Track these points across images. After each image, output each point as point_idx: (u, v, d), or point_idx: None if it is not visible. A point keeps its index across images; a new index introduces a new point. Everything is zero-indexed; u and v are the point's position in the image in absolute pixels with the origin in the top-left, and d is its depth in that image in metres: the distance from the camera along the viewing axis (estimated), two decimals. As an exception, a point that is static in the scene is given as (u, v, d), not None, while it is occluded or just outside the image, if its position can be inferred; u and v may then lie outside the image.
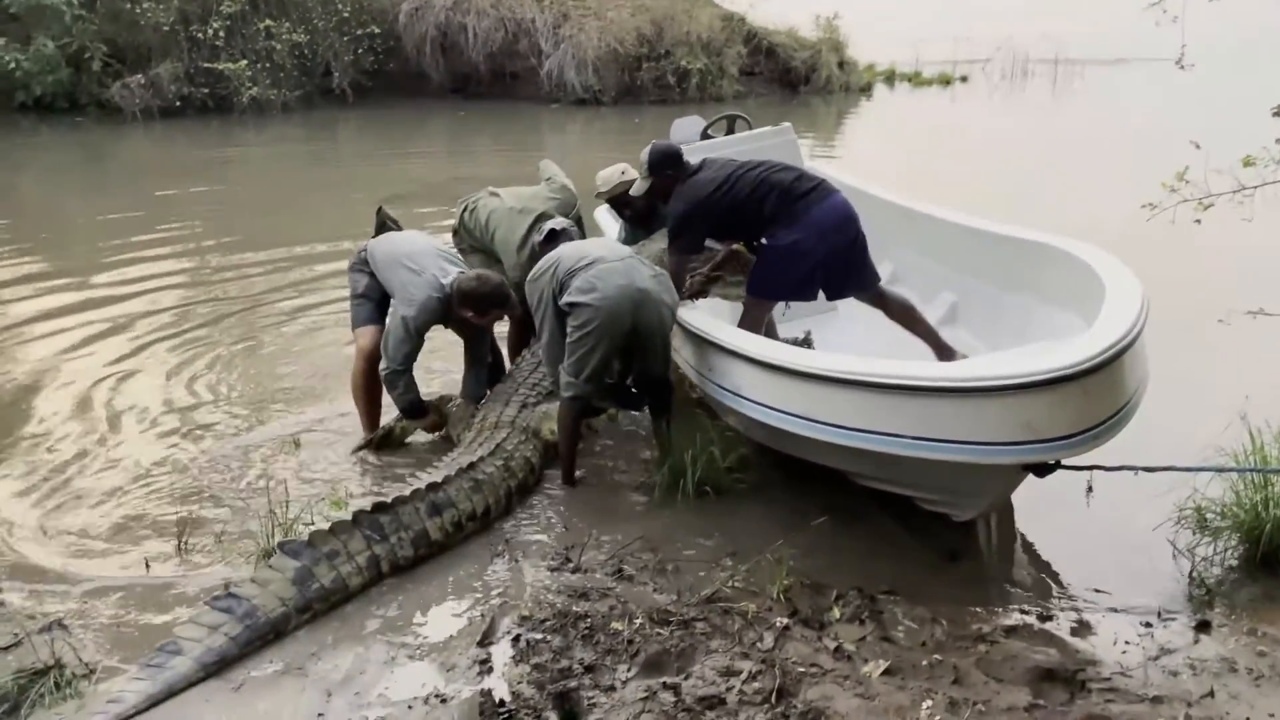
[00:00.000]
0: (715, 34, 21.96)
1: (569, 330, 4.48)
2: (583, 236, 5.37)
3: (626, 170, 5.44)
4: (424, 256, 4.98)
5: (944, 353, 4.79)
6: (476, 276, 4.87)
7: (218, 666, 3.29)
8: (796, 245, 4.73)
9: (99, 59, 18.90)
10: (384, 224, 5.48)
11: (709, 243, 5.11)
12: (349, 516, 3.82)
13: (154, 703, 3.13)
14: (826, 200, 4.77)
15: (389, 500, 3.94)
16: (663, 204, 5.18)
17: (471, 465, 4.31)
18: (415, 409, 5.05)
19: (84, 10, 18.62)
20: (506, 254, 5.27)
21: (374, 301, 5.15)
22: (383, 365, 4.91)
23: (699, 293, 5.06)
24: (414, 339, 4.87)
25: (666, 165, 5.06)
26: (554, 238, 5.03)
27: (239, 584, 3.55)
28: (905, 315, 4.98)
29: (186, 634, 3.35)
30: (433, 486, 4.10)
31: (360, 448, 5.12)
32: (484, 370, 5.34)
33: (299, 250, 9.48)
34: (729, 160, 5.04)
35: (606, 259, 4.49)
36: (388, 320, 4.98)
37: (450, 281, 4.85)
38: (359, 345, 5.17)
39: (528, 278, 4.75)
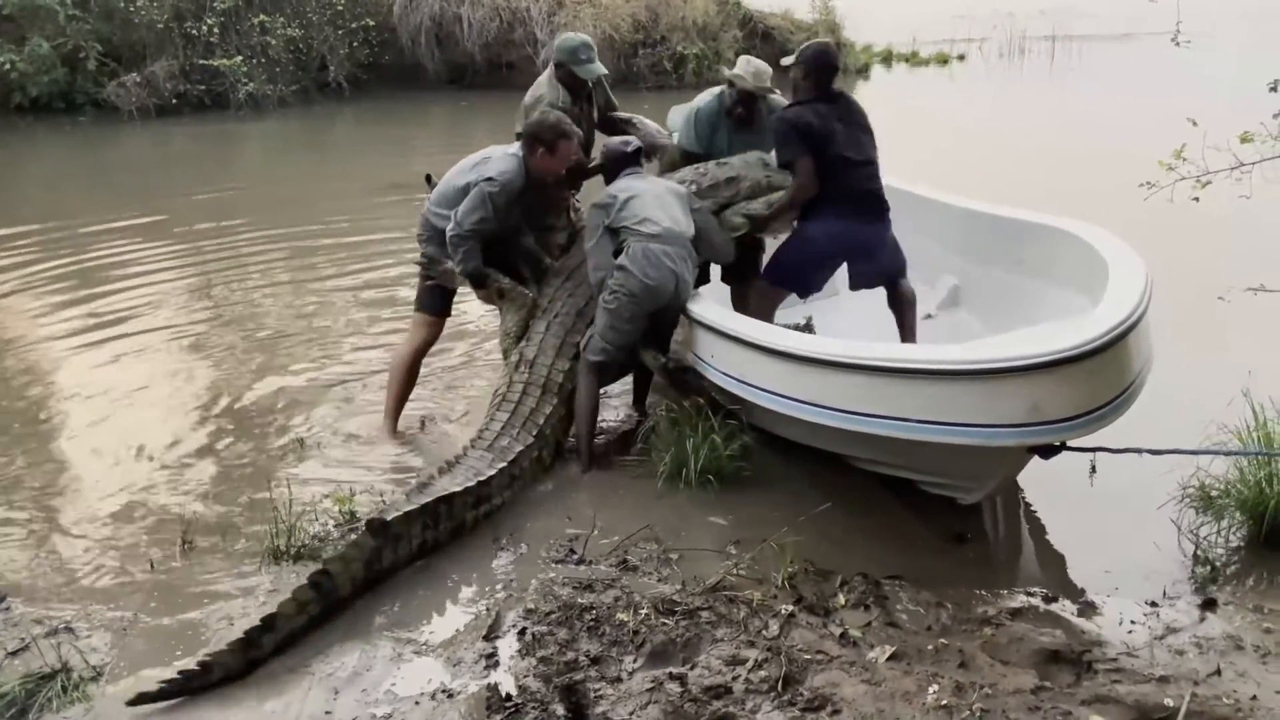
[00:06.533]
0: (711, 18, 21.84)
1: (611, 292, 4.60)
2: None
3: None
4: (489, 150, 5.00)
5: None
6: (539, 114, 4.93)
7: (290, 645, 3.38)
8: (812, 236, 4.91)
9: (94, 58, 18.79)
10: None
11: None
12: (417, 506, 3.88)
13: (230, 677, 3.21)
14: (861, 219, 4.89)
15: (454, 493, 4.03)
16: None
17: (514, 459, 4.40)
18: (477, 277, 4.95)
19: (78, 9, 18.54)
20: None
21: (444, 291, 5.14)
22: (450, 228, 4.81)
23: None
24: (487, 209, 4.76)
25: (822, 65, 5.03)
26: (622, 160, 5.01)
27: (330, 560, 3.59)
28: (904, 307, 5.04)
29: (285, 610, 3.40)
30: (484, 483, 4.19)
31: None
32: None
33: (301, 247, 9.46)
34: (843, 112, 5.02)
35: (663, 236, 4.62)
36: (471, 194, 4.81)
37: (516, 148, 4.89)
38: (413, 329, 5.22)
39: (591, 202, 4.90)
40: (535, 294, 5.06)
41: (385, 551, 3.77)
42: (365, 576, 3.71)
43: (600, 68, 5.35)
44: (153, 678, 3.24)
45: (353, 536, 3.86)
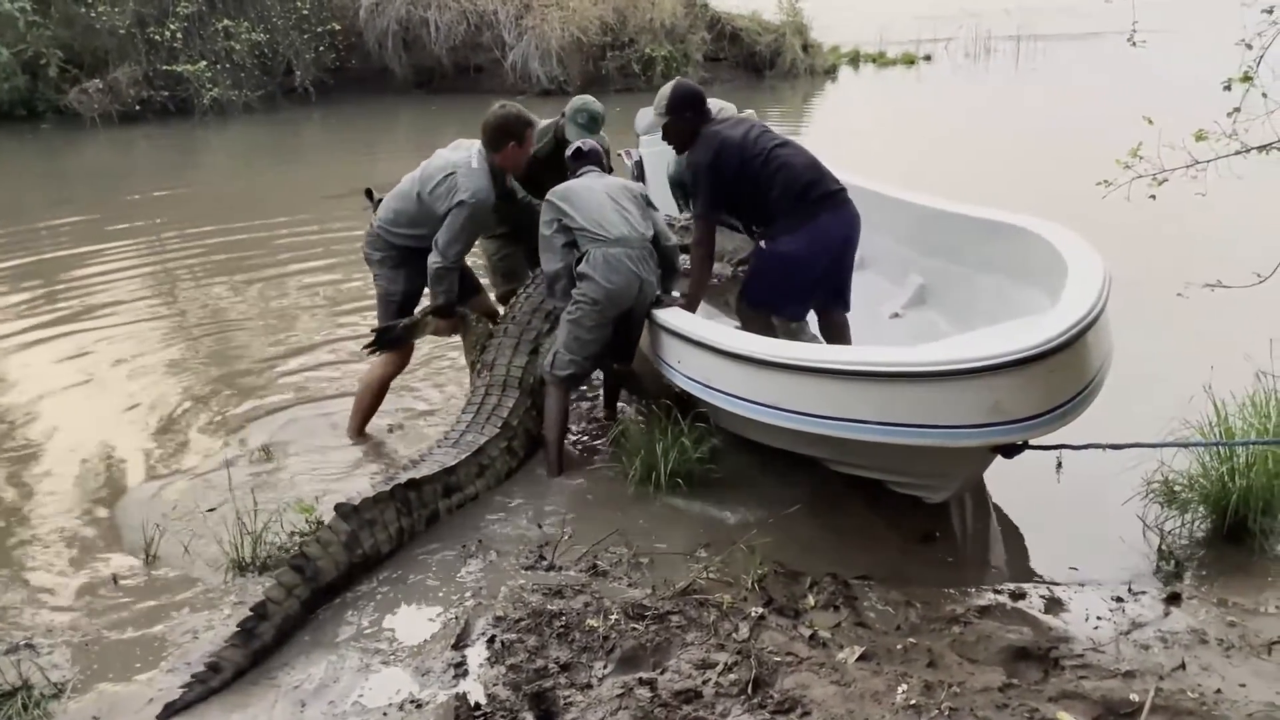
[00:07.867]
0: (678, 20, 21.88)
1: (574, 302, 4.59)
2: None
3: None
4: (441, 160, 4.90)
5: None
6: (498, 108, 4.87)
7: (287, 633, 3.44)
8: (794, 256, 4.61)
9: (55, 65, 18.56)
10: (379, 203, 5.44)
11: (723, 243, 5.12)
12: (385, 490, 3.94)
13: (241, 672, 3.23)
14: (837, 211, 4.61)
15: (418, 478, 4.09)
16: (679, 151, 4.95)
17: (480, 450, 4.46)
18: (449, 310, 5.04)
19: (38, 16, 18.28)
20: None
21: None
22: (434, 259, 4.82)
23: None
24: (469, 232, 4.88)
25: (687, 107, 4.75)
26: (581, 156, 5.00)
27: (307, 544, 3.65)
28: (838, 335, 4.91)
29: (273, 595, 3.42)
30: (449, 470, 4.26)
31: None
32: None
33: (266, 256, 9.36)
34: (752, 122, 4.85)
35: (623, 239, 4.58)
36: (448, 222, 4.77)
37: (477, 151, 4.84)
38: (382, 362, 5.15)
39: (549, 191, 4.79)
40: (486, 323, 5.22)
41: (363, 535, 3.83)
42: (349, 561, 3.76)
43: (585, 144, 5.17)
44: (116, 693, 3.21)
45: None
